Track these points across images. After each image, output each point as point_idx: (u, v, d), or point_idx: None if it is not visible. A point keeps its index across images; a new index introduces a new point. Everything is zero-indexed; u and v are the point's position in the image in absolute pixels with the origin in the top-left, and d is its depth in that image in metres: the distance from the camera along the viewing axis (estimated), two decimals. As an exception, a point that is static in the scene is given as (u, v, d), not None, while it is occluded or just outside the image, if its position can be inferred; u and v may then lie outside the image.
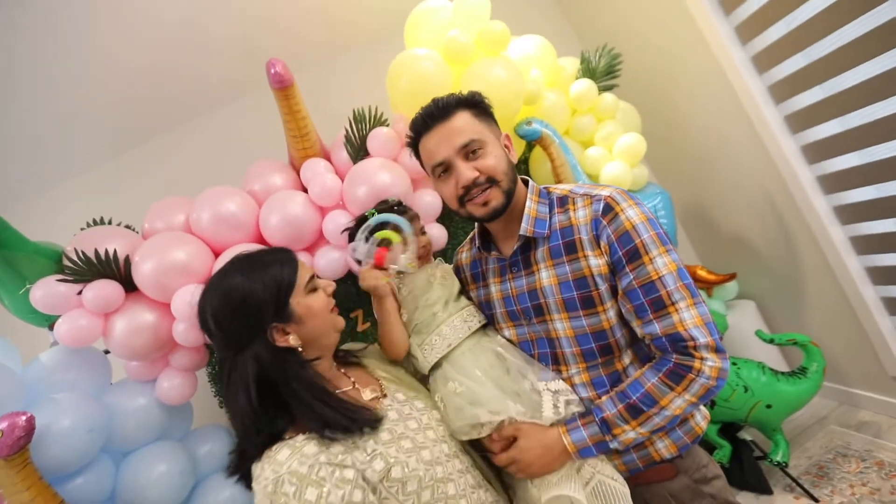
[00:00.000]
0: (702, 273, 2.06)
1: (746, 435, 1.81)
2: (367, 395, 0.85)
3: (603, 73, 1.71)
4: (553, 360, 0.93)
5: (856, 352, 1.83)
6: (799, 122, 1.64)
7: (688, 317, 0.80)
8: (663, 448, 0.89)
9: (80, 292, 1.25)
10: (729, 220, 2.16)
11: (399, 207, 1.11)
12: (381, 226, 1.00)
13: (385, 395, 0.87)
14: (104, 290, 1.26)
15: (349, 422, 0.74)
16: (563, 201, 0.92)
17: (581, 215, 0.88)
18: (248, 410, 0.74)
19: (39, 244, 1.30)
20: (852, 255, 1.67)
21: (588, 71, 1.71)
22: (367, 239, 0.98)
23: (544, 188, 0.97)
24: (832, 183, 1.63)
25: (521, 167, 1.84)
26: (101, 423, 1.30)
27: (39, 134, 1.85)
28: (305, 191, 1.50)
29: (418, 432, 0.81)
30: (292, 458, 0.68)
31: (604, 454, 0.87)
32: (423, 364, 0.98)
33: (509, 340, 1.00)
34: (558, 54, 1.75)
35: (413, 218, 1.07)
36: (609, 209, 0.85)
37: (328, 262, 1.45)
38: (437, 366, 0.98)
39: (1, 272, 1.22)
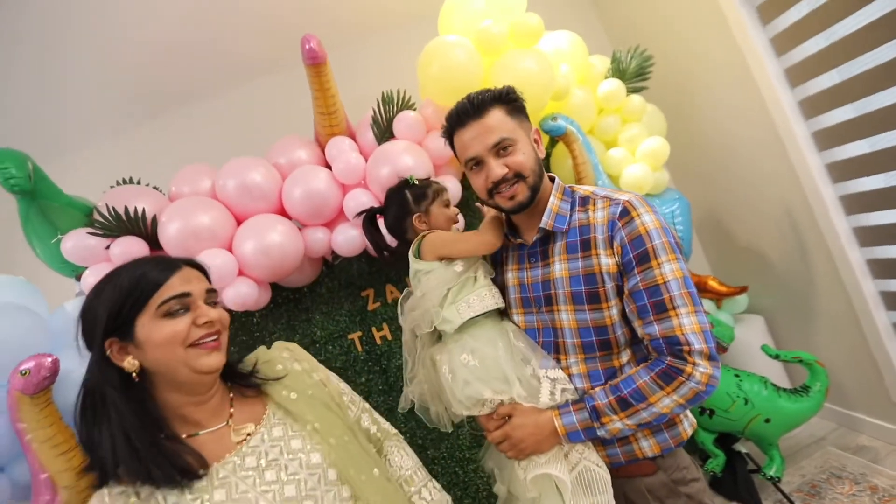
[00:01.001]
0: (713, 284, 2.06)
1: (742, 447, 1.82)
2: (236, 436, 0.74)
3: (633, 74, 1.71)
4: (555, 348, 0.97)
5: (861, 375, 1.82)
6: (826, 139, 1.62)
7: (687, 322, 0.83)
8: (647, 447, 0.93)
9: (108, 247, 1.30)
10: (745, 233, 2.15)
11: (424, 181, 1.17)
12: None
13: (254, 435, 0.75)
14: (131, 246, 1.31)
15: (147, 472, 0.64)
16: (585, 201, 0.96)
17: (599, 216, 0.92)
18: (80, 426, 0.69)
19: (73, 197, 1.36)
20: (868, 277, 1.66)
21: (618, 71, 1.70)
22: None
23: (569, 187, 1.01)
24: (855, 203, 1.62)
25: (543, 162, 1.84)
26: (118, 374, 1.35)
27: (80, 93, 1.90)
28: (329, 167, 1.53)
29: (273, 484, 0.70)
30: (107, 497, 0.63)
31: (591, 441, 0.92)
32: (454, 321, 0.98)
33: (517, 325, 1.04)
34: (590, 52, 1.75)
35: (440, 190, 1.13)
36: (626, 213, 0.89)
37: (346, 239, 1.49)
38: (458, 332, 0.99)
39: (35, 221, 1.27)
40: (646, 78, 1.74)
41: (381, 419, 0.96)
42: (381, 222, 1.24)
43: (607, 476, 0.91)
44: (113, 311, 0.67)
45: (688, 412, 0.98)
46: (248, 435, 0.74)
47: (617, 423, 0.87)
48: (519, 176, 0.93)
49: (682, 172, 2.39)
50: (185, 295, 0.70)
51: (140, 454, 0.64)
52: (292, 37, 2.01)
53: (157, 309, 0.68)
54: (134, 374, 0.68)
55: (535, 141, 0.98)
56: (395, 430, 0.96)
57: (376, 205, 1.44)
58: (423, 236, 1.06)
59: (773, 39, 1.64)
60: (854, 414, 1.93)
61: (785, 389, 1.68)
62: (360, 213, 1.22)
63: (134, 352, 0.68)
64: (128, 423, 0.65)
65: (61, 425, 1.18)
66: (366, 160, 1.53)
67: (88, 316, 0.70)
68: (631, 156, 1.66)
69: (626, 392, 0.86)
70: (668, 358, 0.84)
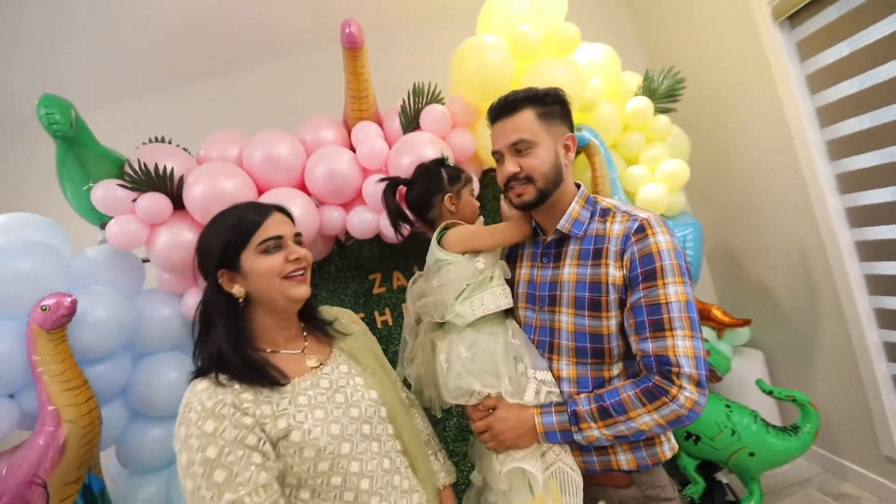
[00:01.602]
0: (716, 313, 2.06)
1: (723, 477, 1.83)
2: (311, 362, 0.88)
3: (663, 94, 1.71)
4: (549, 348, 1.00)
5: (853, 424, 1.82)
6: (849, 182, 1.61)
7: (681, 345, 0.84)
8: (623, 461, 0.95)
9: (134, 200, 1.35)
10: (756, 266, 2.14)
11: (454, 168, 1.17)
12: None
13: (325, 365, 0.89)
14: (156, 202, 1.36)
15: (254, 377, 0.78)
16: (605, 212, 0.98)
17: (616, 228, 0.94)
18: (196, 335, 0.83)
19: (108, 149, 1.41)
20: (874, 327, 1.65)
21: (649, 90, 1.71)
22: None
23: (592, 197, 1.03)
24: (869, 250, 1.61)
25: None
26: (129, 322, 1.41)
27: (124, 51, 1.96)
28: (353, 150, 1.56)
29: (340, 406, 0.84)
30: (205, 391, 0.75)
31: (568, 444, 0.94)
32: (466, 317, 1.00)
33: (517, 321, 1.07)
34: (623, 67, 1.76)
35: (471, 179, 1.15)
36: (641, 229, 0.91)
37: (361, 221, 1.52)
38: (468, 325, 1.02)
39: (71, 167, 1.33)
40: (675, 99, 1.74)
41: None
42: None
43: (580, 481, 0.93)
44: (223, 248, 0.81)
45: (671, 436, 0.99)
46: (321, 364, 0.89)
47: (594, 432, 0.89)
48: (529, 178, 0.96)
49: (699, 197, 2.38)
50: (278, 237, 0.84)
51: (236, 359, 0.79)
52: (332, 18, 2.04)
53: (256, 246, 0.82)
54: (240, 299, 0.82)
55: (566, 147, 0.99)
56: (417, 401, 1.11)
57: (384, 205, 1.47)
58: (450, 226, 1.07)
59: (810, 76, 1.63)
60: (842, 461, 1.92)
61: (774, 426, 1.69)
62: (383, 180, 1.20)
63: (241, 281, 0.82)
64: (230, 335, 0.80)
65: (72, 363, 1.24)
66: (389, 147, 1.56)
67: (204, 250, 0.84)
68: (650, 175, 1.67)
69: (608, 402, 0.88)
70: (656, 377, 0.85)
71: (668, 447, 0.97)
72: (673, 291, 0.86)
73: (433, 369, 1.06)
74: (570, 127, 1.01)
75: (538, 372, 0.98)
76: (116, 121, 2.11)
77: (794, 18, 1.63)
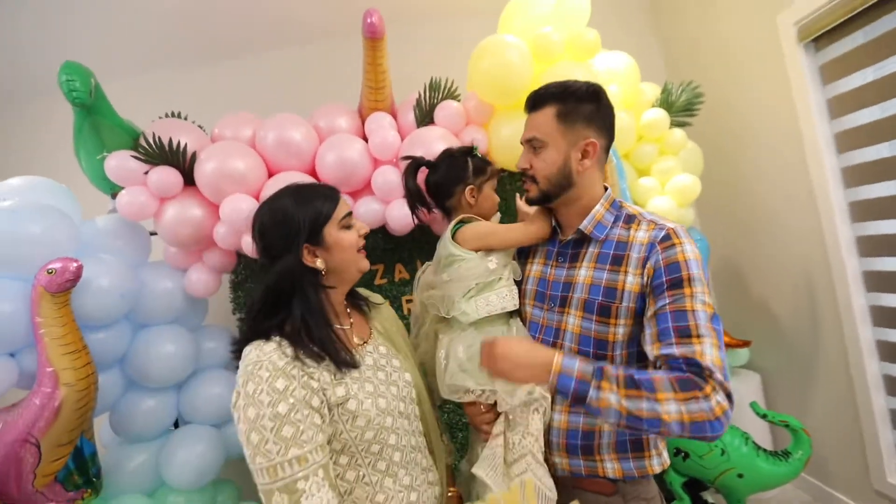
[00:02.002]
0: (717, 331, 2.04)
1: (709, 497, 1.82)
2: (355, 339, 0.93)
3: (680, 107, 1.70)
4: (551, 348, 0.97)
5: (846, 454, 1.80)
6: (862, 211, 1.59)
7: (709, 352, 0.80)
8: (610, 468, 0.93)
9: (146, 172, 1.37)
10: (760, 287, 2.13)
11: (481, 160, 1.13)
12: None
13: (368, 343, 0.95)
14: (167, 175, 1.38)
15: (328, 354, 0.82)
16: (630, 219, 0.96)
17: (640, 236, 0.92)
18: (259, 305, 0.85)
19: (124, 120, 1.43)
20: (875, 358, 1.64)
21: (666, 102, 1.70)
22: None
23: (618, 201, 1.01)
24: (876, 281, 1.59)
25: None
26: (132, 292, 1.43)
27: (146, 25, 1.97)
28: (366, 140, 1.57)
29: (383, 383, 0.89)
30: (275, 352, 0.78)
31: (576, 401, 0.82)
32: (471, 315, 0.99)
33: (522, 318, 1.05)
34: (643, 77, 1.74)
35: (497, 173, 1.13)
36: (668, 238, 0.88)
37: (367, 211, 1.53)
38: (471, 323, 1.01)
39: (87, 135, 1.35)
40: (693, 114, 1.73)
41: None
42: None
43: (553, 496, 0.89)
44: (311, 222, 0.85)
45: (662, 450, 0.97)
46: (364, 342, 0.94)
47: (612, 396, 0.78)
48: (533, 178, 0.97)
49: (709, 213, 2.36)
50: (350, 214, 0.91)
51: (318, 336, 0.83)
52: (355, 7, 2.05)
53: (339, 221, 0.88)
54: (322, 272, 0.86)
55: (584, 152, 0.95)
56: None
57: (400, 185, 1.47)
58: (467, 220, 1.05)
59: (830, 101, 1.61)
60: (831, 491, 1.90)
61: (765, 450, 1.67)
62: (406, 158, 1.16)
63: (321, 254, 0.86)
64: (317, 313, 0.84)
65: (74, 327, 1.26)
66: (402, 140, 1.56)
67: (281, 230, 0.85)
68: (661, 187, 1.66)
69: (638, 376, 0.80)
70: (689, 372, 0.80)
71: (658, 461, 0.95)
72: (700, 301, 0.83)
73: (433, 361, 1.06)
74: (601, 129, 0.96)
75: (536, 387, 0.95)
76: (135, 93, 2.13)
77: (819, 41, 1.61)
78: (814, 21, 1.58)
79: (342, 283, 0.93)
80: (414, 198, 1.12)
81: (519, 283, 1.08)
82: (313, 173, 1.55)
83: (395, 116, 1.67)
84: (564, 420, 0.97)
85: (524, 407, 0.95)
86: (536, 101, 0.97)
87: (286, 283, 0.84)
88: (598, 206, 0.97)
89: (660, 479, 1.86)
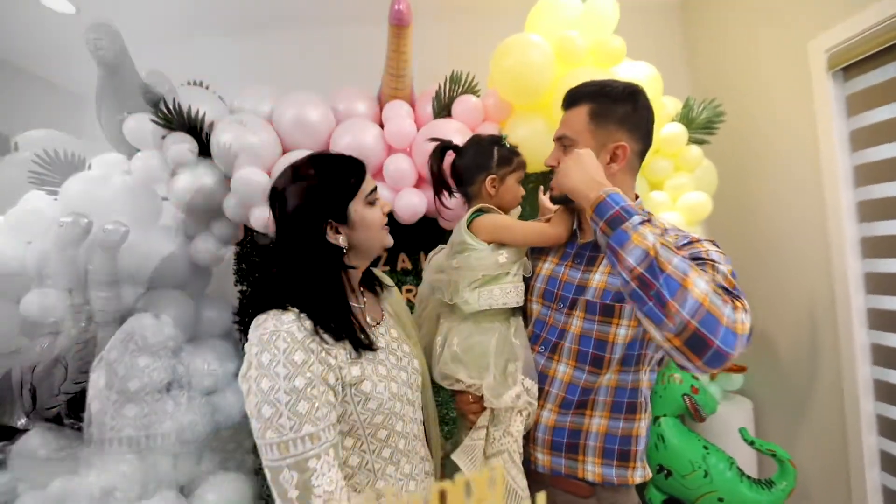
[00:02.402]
0: (714, 354, 2.03)
1: (688, 517, 1.81)
2: (368, 320, 0.91)
3: (700, 125, 1.68)
4: (553, 348, 0.98)
5: (831, 491, 1.78)
6: (873, 248, 1.57)
7: (734, 289, 0.78)
8: (591, 472, 0.93)
9: (163, 136, 1.39)
10: (762, 314, 2.10)
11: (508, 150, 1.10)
12: None
13: (381, 325, 0.93)
14: (183, 142, 1.40)
15: (347, 334, 0.79)
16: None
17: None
18: (279, 278, 0.81)
19: (147, 84, 1.45)
20: (871, 398, 1.61)
21: (686, 117, 1.68)
22: None
23: (647, 211, 0.96)
24: (880, 319, 1.57)
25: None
26: (138, 252, 1.46)
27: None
28: (382, 127, 1.58)
29: (395, 368, 0.87)
30: (294, 323, 0.75)
31: (612, 223, 0.79)
32: (472, 305, 0.99)
33: (527, 314, 1.05)
34: (667, 90, 1.73)
35: (523, 165, 1.09)
36: (689, 242, 0.87)
37: (376, 197, 1.54)
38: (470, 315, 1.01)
39: (109, 94, 1.37)
40: (712, 132, 1.71)
41: None
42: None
43: (525, 496, 0.90)
44: (336, 198, 0.81)
45: (645, 463, 0.97)
46: (377, 324, 0.91)
47: (650, 236, 0.75)
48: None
49: (720, 233, 2.34)
50: (375, 189, 0.87)
51: (336, 315, 0.80)
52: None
53: (365, 197, 0.84)
54: (345, 249, 0.83)
55: (613, 155, 0.92)
56: None
57: (415, 172, 1.47)
58: (485, 210, 1.04)
59: (853, 132, 1.59)
60: (812, 525, 1.89)
61: (749, 477, 1.66)
62: (433, 139, 1.13)
63: (345, 231, 0.83)
64: (336, 292, 0.81)
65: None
66: (417, 130, 1.57)
67: (305, 204, 0.80)
68: (671, 203, 1.65)
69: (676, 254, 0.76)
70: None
71: (641, 473, 0.95)
72: (719, 258, 0.81)
73: (431, 344, 1.07)
74: (634, 132, 0.93)
75: (526, 380, 0.96)
76: (161, 60, 2.15)
77: (848, 70, 1.58)
78: (845, 50, 1.55)
79: (363, 261, 0.90)
80: (438, 181, 1.10)
81: (528, 279, 1.06)
82: (326, 154, 1.56)
83: (413, 106, 1.67)
84: (553, 418, 0.97)
85: (510, 404, 0.94)
86: (572, 98, 0.96)
87: (306, 260, 0.81)
88: None
89: (640, 494, 1.86)
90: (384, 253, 1.81)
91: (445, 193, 1.11)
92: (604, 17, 1.42)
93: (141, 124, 1.38)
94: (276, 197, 0.83)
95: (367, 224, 0.84)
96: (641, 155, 0.97)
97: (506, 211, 1.08)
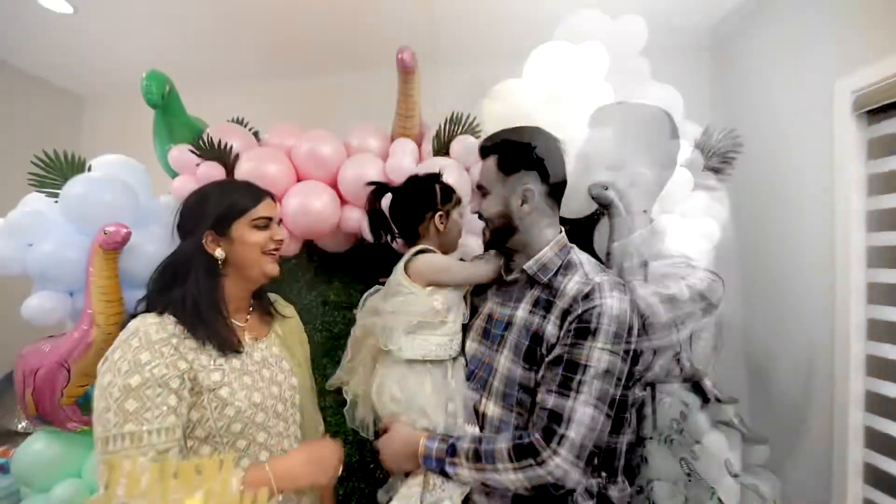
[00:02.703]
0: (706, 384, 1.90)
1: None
2: (247, 336, 0.96)
3: (717, 154, 1.64)
4: (484, 386, 1.01)
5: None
6: (880, 293, 1.47)
7: (580, 410, 0.83)
8: None
9: (197, 164, 1.64)
10: (762, 349, 2.02)
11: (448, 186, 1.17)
12: None
13: (261, 341, 0.98)
14: (212, 169, 1.63)
15: (212, 335, 0.86)
16: (569, 266, 0.99)
17: (570, 287, 0.94)
18: (158, 278, 0.93)
19: (192, 119, 1.73)
20: (860, 445, 1.47)
21: (703, 145, 1.64)
22: None
23: (570, 247, 1.03)
24: (878, 367, 1.45)
25: (581, 221, 1.84)
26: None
27: (234, 42, 2.33)
28: (388, 161, 1.72)
29: (264, 380, 0.92)
30: (154, 325, 0.82)
31: (444, 475, 0.93)
32: (406, 353, 1.00)
33: (467, 351, 1.07)
34: (693, 116, 1.69)
35: (461, 200, 1.17)
36: (591, 293, 0.90)
37: (373, 224, 1.67)
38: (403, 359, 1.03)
39: (161, 128, 1.66)
40: (727, 163, 1.66)
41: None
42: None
43: None
44: (220, 213, 0.91)
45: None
46: (257, 339, 0.98)
47: (464, 471, 0.89)
48: (482, 218, 1.05)
49: (727, 266, 2.23)
50: (269, 218, 0.97)
51: (206, 314, 0.87)
52: (414, 42, 2.25)
53: (251, 221, 0.93)
54: (220, 261, 0.92)
55: (523, 198, 1.00)
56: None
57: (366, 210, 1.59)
58: (421, 253, 1.06)
59: (871, 177, 1.48)
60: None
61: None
62: (371, 184, 1.19)
63: (224, 245, 0.92)
64: (206, 295, 0.88)
65: (115, 281, 1.53)
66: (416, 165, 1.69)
67: (195, 212, 0.93)
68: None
69: (483, 448, 0.88)
70: (536, 435, 0.84)
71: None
72: (596, 357, 0.85)
73: (367, 389, 1.08)
74: (542, 175, 1.00)
75: (467, 425, 0.97)
76: (217, 101, 2.49)
77: (873, 114, 1.49)
78: (873, 93, 1.47)
79: (241, 279, 0.96)
80: (377, 223, 1.17)
81: (472, 319, 1.10)
82: (335, 185, 1.73)
83: (420, 144, 1.81)
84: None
85: None
86: (484, 150, 1.07)
87: (183, 261, 0.91)
88: (545, 249, 1.00)
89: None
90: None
91: (384, 234, 1.18)
92: (595, 64, 1.47)
93: (182, 153, 1.64)
94: (181, 204, 0.97)
95: (246, 243, 0.92)
96: (553, 192, 1.03)
97: (450, 248, 1.12)
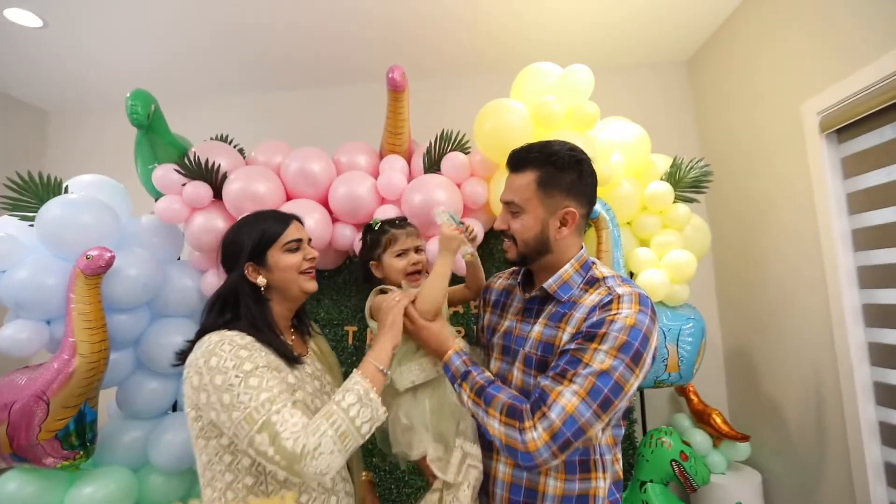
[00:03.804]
0: (716, 418, 1.92)
1: None
2: (295, 351, 1.02)
3: (687, 184, 1.69)
4: None
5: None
6: (871, 315, 1.49)
7: (567, 397, 0.82)
8: (552, 486, 0.94)
9: (184, 184, 1.59)
10: (770, 384, 1.98)
11: (389, 223, 1.18)
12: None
13: (307, 357, 1.05)
14: (199, 189, 1.59)
15: (274, 345, 0.93)
16: (592, 282, 0.96)
17: (591, 299, 0.92)
18: (212, 308, 0.98)
19: (176, 138, 1.68)
20: (882, 481, 1.47)
21: (674, 177, 1.70)
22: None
23: (591, 262, 1.00)
24: (886, 394, 1.46)
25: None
26: (155, 284, 1.64)
27: (214, 57, 2.29)
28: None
29: (317, 391, 1.00)
30: (236, 335, 0.89)
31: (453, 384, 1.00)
32: (398, 383, 1.04)
33: (491, 370, 1.05)
34: (678, 149, 1.73)
35: (394, 239, 1.12)
36: (610, 302, 0.88)
37: (365, 243, 1.66)
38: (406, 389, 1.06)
39: (144, 148, 1.61)
40: (700, 191, 1.71)
41: None
42: None
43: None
44: (255, 244, 0.98)
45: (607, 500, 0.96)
46: (300, 355, 1.02)
47: (465, 395, 0.95)
48: (513, 238, 0.98)
49: (726, 299, 2.27)
50: (299, 240, 1.03)
51: (266, 333, 0.94)
52: (402, 56, 2.26)
53: (283, 246, 0.99)
54: (262, 288, 0.99)
55: (562, 221, 0.95)
56: None
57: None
58: (375, 294, 1.10)
59: (850, 195, 1.55)
60: None
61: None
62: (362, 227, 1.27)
63: (264, 273, 0.99)
64: (260, 315, 0.96)
65: (99, 307, 1.47)
66: (408, 183, 1.69)
67: (235, 245, 1.00)
68: (657, 260, 1.65)
69: (488, 389, 0.92)
70: (527, 404, 0.87)
71: (602, 498, 0.95)
72: (599, 359, 0.83)
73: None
74: (581, 198, 0.96)
75: (466, 443, 1.01)
76: (196, 117, 2.45)
77: (842, 133, 1.56)
78: (838, 113, 1.54)
79: (285, 301, 1.03)
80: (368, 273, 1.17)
81: (490, 339, 1.09)
82: (325, 203, 1.72)
83: (409, 160, 1.81)
84: (509, 473, 0.98)
85: (455, 475, 0.99)
86: (519, 163, 0.97)
87: (231, 293, 0.97)
88: (566, 266, 0.96)
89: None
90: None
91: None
92: (580, 85, 1.51)
93: (166, 173, 1.60)
94: (222, 243, 1.03)
95: (282, 267, 0.99)
96: (586, 217, 1.00)
97: (398, 283, 1.11)
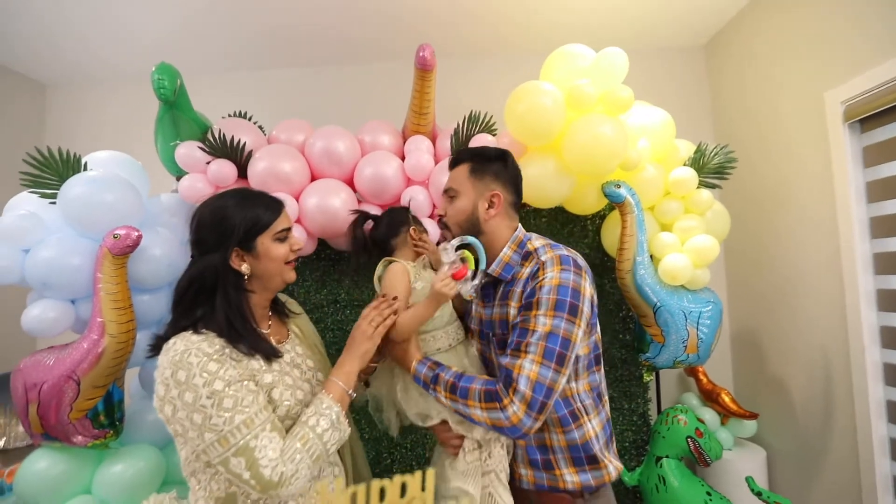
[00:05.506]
0: (724, 398, 2.00)
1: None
2: (273, 340, 0.99)
3: (711, 170, 1.71)
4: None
5: (847, 552, 1.70)
6: (888, 300, 1.54)
7: (527, 367, 0.92)
8: (570, 482, 1.03)
9: (208, 162, 1.56)
10: (778, 365, 2.06)
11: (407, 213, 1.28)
12: (466, 246, 1.08)
13: (286, 343, 1.02)
14: (224, 168, 1.56)
15: (249, 345, 0.88)
16: (527, 256, 1.08)
17: (526, 271, 1.04)
18: (183, 296, 0.90)
19: (199, 115, 1.64)
20: (886, 457, 1.55)
21: (697, 162, 1.72)
22: (455, 249, 1.05)
23: (526, 239, 1.11)
24: (895, 375, 1.53)
25: (597, 222, 1.90)
26: (179, 264, 1.61)
27: (231, 32, 2.22)
28: (404, 159, 1.70)
29: (298, 379, 0.96)
30: (203, 341, 0.83)
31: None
32: (423, 349, 1.13)
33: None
34: (690, 134, 1.75)
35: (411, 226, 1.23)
36: (537, 272, 1.01)
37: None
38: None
39: (166, 124, 1.56)
40: (723, 177, 1.74)
41: None
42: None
43: None
44: (248, 229, 0.91)
45: (615, 459, 1.08)
46: (280, 342, 1.00)
47: (441, 397, 1.01)
48: (446, 224, 1.13)
49: (735, 280, 2.32)
50: (288, 229, 0.98)
51: (241, 328, 0.89)
52: (419, 34, 2.21)
53: (274, 234, 0.94)
54: (246, 276, 0.93)
55: (490, 202, 1.09)
56: None
57: (431, 203, 1.62)
58: (391, 263, 1.15)
59: (870, 184, 1.58)
60: (825, 589, 1.79)
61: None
62: (355, 212, 1.28)
63: (249, 260, 0.93)
64: (236, 310, 0.89)
65: (125, 287, 1.45)
66: (435, 164, 1.68)
67: (216, 228, 0.90)
68: (680, 245, 1.68)
69: (460, 384, 0.99)
70: (500, 385, 0.95)
71: (614, 468, 1.05)
72: (541, 322, 0.95)
73: (393, 392, 1.15)
74: (507, 185, 1.11)
75: None
76: (213, 92, 2.39)
77: (865, 123, 1.59)
78: (861, 103, 1.57)
79: (265, 290, 0.98)
80: (360, 245, 1.25)
81: (473, 325, 1.21)
82: (351, 183, 1.70)
83: (434, 141, 1.79)
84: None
85: (484, 433, 1.04)
86: (455, 160, 1.15)
87: (209, 279, 0.88)
88: (504, 249, 1.09)
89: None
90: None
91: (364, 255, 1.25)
92: (614, 68, 1.50)
93: (190, 150, 1.56)
94: (196, 219, 0.92)
95: (272, 257, 0.94)
96: (514, 205, 1.14)
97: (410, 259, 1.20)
